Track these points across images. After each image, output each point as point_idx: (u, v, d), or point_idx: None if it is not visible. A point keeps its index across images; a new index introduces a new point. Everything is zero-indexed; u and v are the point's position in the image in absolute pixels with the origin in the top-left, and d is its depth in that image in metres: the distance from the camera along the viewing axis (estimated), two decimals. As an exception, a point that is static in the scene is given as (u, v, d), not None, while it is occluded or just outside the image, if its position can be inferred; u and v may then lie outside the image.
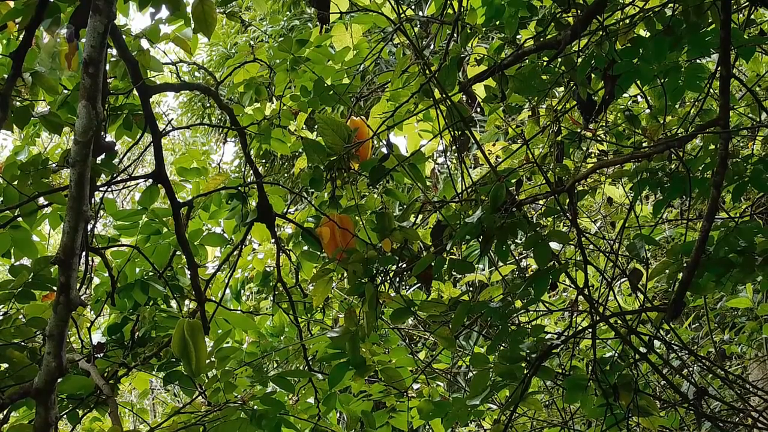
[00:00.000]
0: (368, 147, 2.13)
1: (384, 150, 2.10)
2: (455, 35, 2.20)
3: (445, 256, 1.81)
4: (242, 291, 3.47)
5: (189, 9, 2.16)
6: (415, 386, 2.83)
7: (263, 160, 8.45)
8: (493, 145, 3.30)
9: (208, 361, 2.47)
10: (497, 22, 2.12)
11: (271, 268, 3.16)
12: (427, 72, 2.08)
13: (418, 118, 2.56)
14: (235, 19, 2.39)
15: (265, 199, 2.20)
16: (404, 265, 1.92)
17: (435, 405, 1.99)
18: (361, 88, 2.42)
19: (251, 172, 2.34)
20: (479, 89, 2.44)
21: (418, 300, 2.14)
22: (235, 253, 2.43)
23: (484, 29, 2.23)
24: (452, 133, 2.06)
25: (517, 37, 2.27)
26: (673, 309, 1.90)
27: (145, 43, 2.37)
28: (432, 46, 2.43)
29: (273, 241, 2.49)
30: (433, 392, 2.70)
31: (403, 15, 2.20)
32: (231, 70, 2.46)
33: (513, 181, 2.06)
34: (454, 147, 2.18)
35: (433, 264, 1.80)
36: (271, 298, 2.83)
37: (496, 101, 2.20)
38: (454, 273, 1.89)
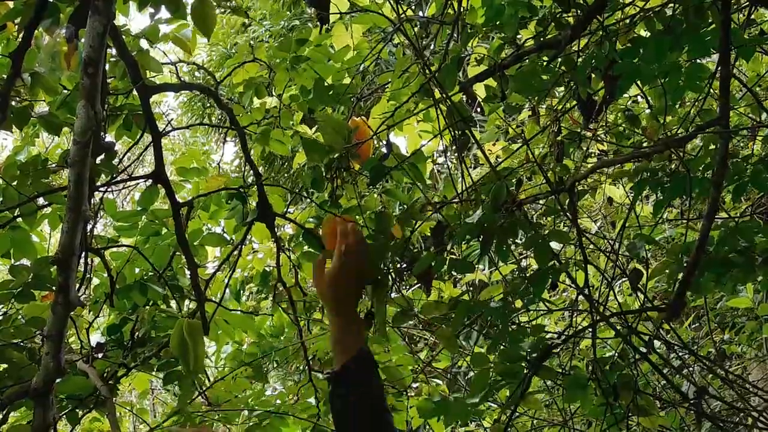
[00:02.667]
0: (370, 147, 2.12)
1: (384, 150, 2.09)
2: (455, 35, 2.19)
3: (445, 256, 1.80)
4: (242, 291, 3.46)
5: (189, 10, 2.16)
6: (414, 385, 2.83)
7: (264, 163, 8.45)
8: (493, 144, 3.30)
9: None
10: (498, 23, 2.12)
11: (271, 268, 3.16)
12: (427, 72, 2.07)
13: (418, 119, 2.55)
14: (240, 13, 2.37)
15: (264, 199, 2.19)
16: (404, 265, 1.92)
17: (435, 404, 1.98)
18: (362, 89, 2.41)
19: (251, 171, 2.33)
20: (479, 89, 2.44)
21: (418, 299, 2.13)
22: (234, 253, 2.42)
23: (484, 29, 2.23)
24: (452, 132, 2.06)
25: (518, 36, 2.27)
26: (672, 308, 1.90)
27: (144, 44, 2.36)
28: (432, 46, 2.42)
29: (273, 240, 2.48)
30: (433, 391, 2.70)
31: (403, 15, 2.20)
32: (231, 69, 2.45)
33: (513, 180, 2.06)
34: (454, 147, 2.17)
35: (433, 264, 1.79)
36: (271, 298, 2.83)
37: (497, 101, 2.20)
38: (455, 273, 1.89)
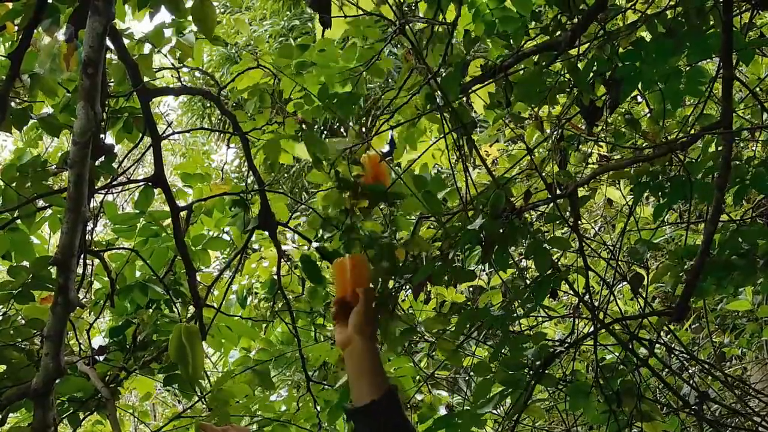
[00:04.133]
0: (387, 177, 2.04)
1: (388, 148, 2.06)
2: (454, 39, 2.18)
3: (446, 266, 1.79)
4: (248, 298, 3.42)
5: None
6: (418, 397, 2.79)
7: (265, 168, 8.44)
8: (491, 146, 3.28)
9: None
10: (504, 31, 2.10)
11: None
12: (429, 76, 2.06)
13: (430, 138, 2.49)
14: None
15: (267, 207, 2.18)
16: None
17: (440, 417, 1.96)
18: (367, 107, 2.37)
19: (252, 175, 2.31)
20: (479, 98, 2.40)
21: (418, 309, 2.11)
22: (237, 257, 2.40)
23: (484, 36, 2.21)
24: (457, 142, 2.03)
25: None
26: (678, 312, 1.89)
27: (145, 46, 2.35)
28: (430, 48, 2.38)
29: (274, 247, 2.46)
30: (435, 401, 2.66)
31: (403, 19, 2.18)
32: (234, 76, 2.42)
33: (520, 191, 2.04)
34: (456, 154, 2.15)
35: (432, 272, 1.77)
36: (273, 306, 2.80)
37: (499, 108, 2.18)
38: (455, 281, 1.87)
